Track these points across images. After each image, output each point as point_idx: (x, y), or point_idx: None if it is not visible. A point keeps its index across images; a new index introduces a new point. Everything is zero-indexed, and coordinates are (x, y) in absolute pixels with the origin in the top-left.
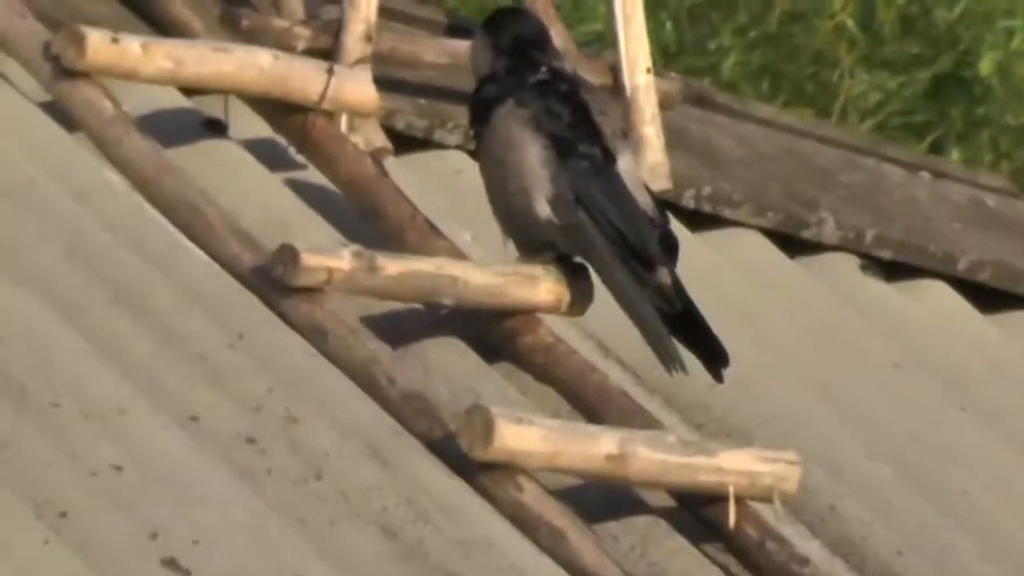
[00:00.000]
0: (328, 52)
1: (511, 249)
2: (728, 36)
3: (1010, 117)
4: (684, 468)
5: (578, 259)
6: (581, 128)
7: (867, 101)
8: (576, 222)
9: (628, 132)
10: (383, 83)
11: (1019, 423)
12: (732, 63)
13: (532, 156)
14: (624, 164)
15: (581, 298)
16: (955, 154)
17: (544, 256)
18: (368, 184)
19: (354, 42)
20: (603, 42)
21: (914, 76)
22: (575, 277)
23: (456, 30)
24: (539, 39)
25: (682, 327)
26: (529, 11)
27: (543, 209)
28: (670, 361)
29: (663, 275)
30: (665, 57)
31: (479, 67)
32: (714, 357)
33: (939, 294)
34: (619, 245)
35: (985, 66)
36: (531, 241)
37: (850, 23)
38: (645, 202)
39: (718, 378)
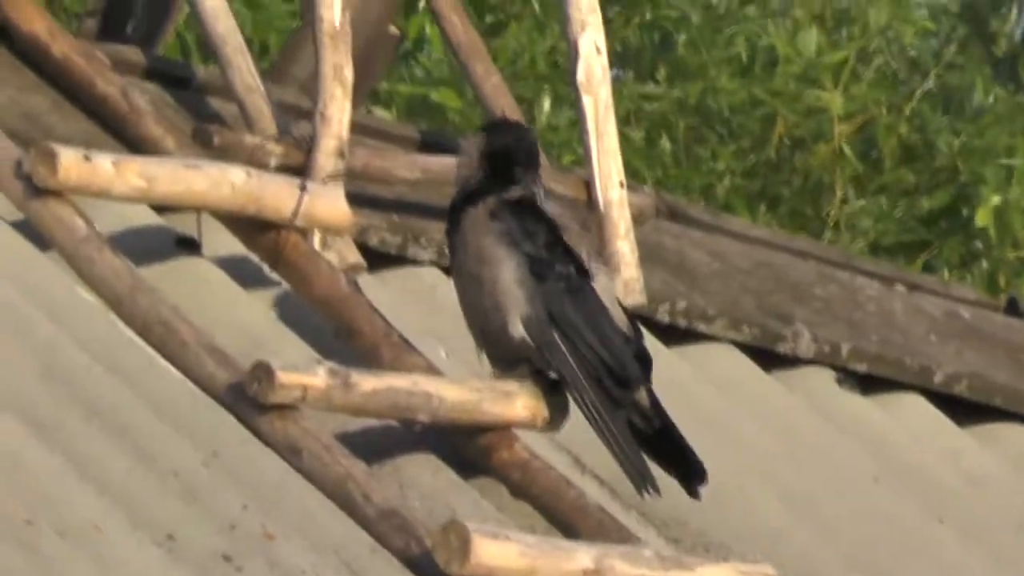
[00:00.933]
0: (300, 168)
1: (485, 363)
2: (725, 159)
3: (1008, 251)
4: None
5: (553, 374)
6: (556, 247)
7: (861, 224)
8: (549, 341)
9: (602, 248)
10: (356, 199)
11: (997, 535)
12: (728, 184)
13: (507, 274)
14: (600, 283)
15: (557, 414)
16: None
17: (519, 370)
18: (342, 301)
19: (326, 158)
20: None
21: (911, 203)
22: (551, 392)
23: (429, 146)
24: (526, 154)
25: (659, 444)
26: (525, 125)
27: (517, 328)
28: (641, 482)
29: (640, 393)
30: (661, 179)
31: (461, 175)
32: (691, 474)
33: (916, 407)
34: (593, 364)
35: (982, 216)
36: (506, 356)
37: (847, 150)
38: (620, 319)
39: (695, 495)
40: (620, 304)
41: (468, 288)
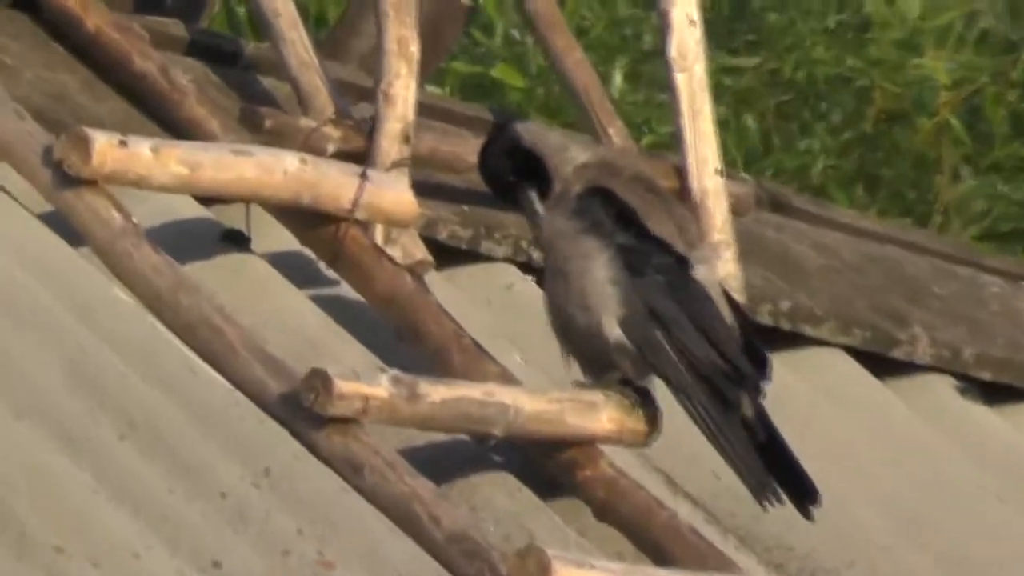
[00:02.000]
0: (361, 154)
1: (575, 370)
2: (819, 137)
3: None
4: None
5: (643, 383)
6: (652, 235)
7: (972, 208)
8: (651, 340)
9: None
10: (423, 188)
11: None
12: (823, 166)
13: (598, 269)
14: (701, 272)
15: (647, 426)
16: None
17: (606, 379)
18: (407, 301)
19: (390, 143)
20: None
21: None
22: (641, 403)
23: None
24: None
25: (766, 460)
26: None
27: (612, 329)
28: (760, 491)
29: (744, 401)
30: (749, 160)
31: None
32: (802, 493)
33: None
34: (703, 363)
35: None
36: (597, 361)
37: (955, 123)
38: (727, 313)
39: (807, 516)
40: (728, 295)
41: (553, 286)
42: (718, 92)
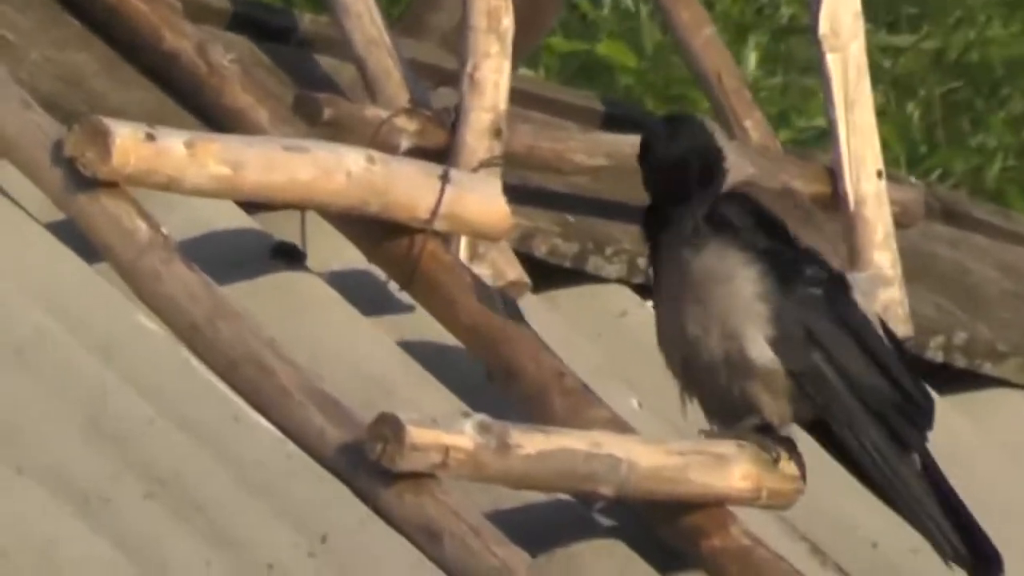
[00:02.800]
0: (442, 152)
1: (694, 416)
2: (996, 131)
3: None
4: None
5: (786, 430)
6: (799, 247)
7: None
8: (811, 366)
9: (852, 257)
10: (518, 193)
11: None
12: (1000, 167)
13: (743, 285)
14: (859, 295)
15: (789, 484)
16: None
17: (744, 425)
18: (497, 331)
19: (477, 138)
20: (823, 140)
21: None
22: (783, 454)
23: (615, 120)
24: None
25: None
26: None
27: (761, 351)
28: (947, 546)
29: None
30: (910, 159)
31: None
32: (982, 560)
33: None
34: (873, 395)
35: None
36: (729, 402)
37: None
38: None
39: None
40: (884, 326)
41: (679, 313)
42: (874, 77)
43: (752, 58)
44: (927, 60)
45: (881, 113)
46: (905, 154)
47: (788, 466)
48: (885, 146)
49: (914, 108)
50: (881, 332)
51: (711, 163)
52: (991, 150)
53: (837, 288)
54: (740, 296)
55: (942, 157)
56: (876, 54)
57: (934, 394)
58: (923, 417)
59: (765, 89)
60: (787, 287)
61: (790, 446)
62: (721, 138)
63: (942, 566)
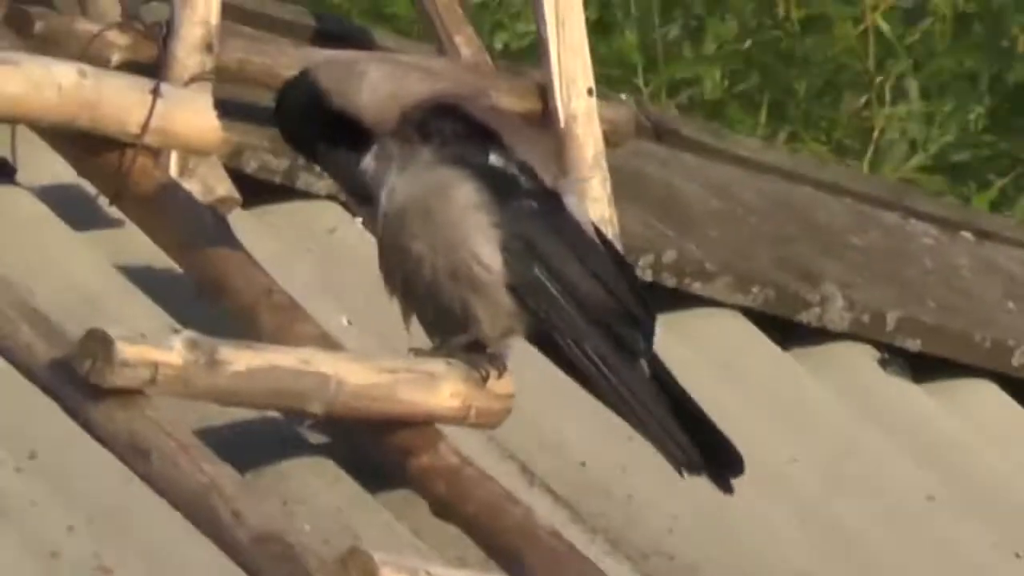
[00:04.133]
0: (153, 66)
1: (417, 335)
2: (713, 41)
3: None
4: None
5: (499, 347)
6: (516, 157)
7: (908, 135)
8: (531, 280)
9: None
10: (228, 108)
11: None
12: (718, 81)
13: (462, 197)
14: (571, 203)
15: (497, 403)
16: None
17: (454, 342)
18: (207, 247)
19: (188, 53)
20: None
21: (973, 98)
22: (493, 372)
23: (328, 36)
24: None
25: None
26: None
27: (493, 261)
28: (681, 456)
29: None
30: (624, 71)
31: None
32: (723, 461)
33: (986, 398)
34: (595, 304)
35: None
36: (449, 318)
37: (884, 26)
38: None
39: (727, 489)
40: (602, 236)
41: (399, 230)
42: None
43: None
44: None
45: (597, 27)
46: (609, 70)
47: (497, 385)
48: (624, 57)
49: (625, 20)
50: (598, 241)
51: (335, 121)
52: (709, 59)
53: (553, 200)
54: (461, 208)
55: (658, 72)
56: None
57: None
58: (645, 325)
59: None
60: (504, 199)
61: (500, 364)
62: (351, 86)
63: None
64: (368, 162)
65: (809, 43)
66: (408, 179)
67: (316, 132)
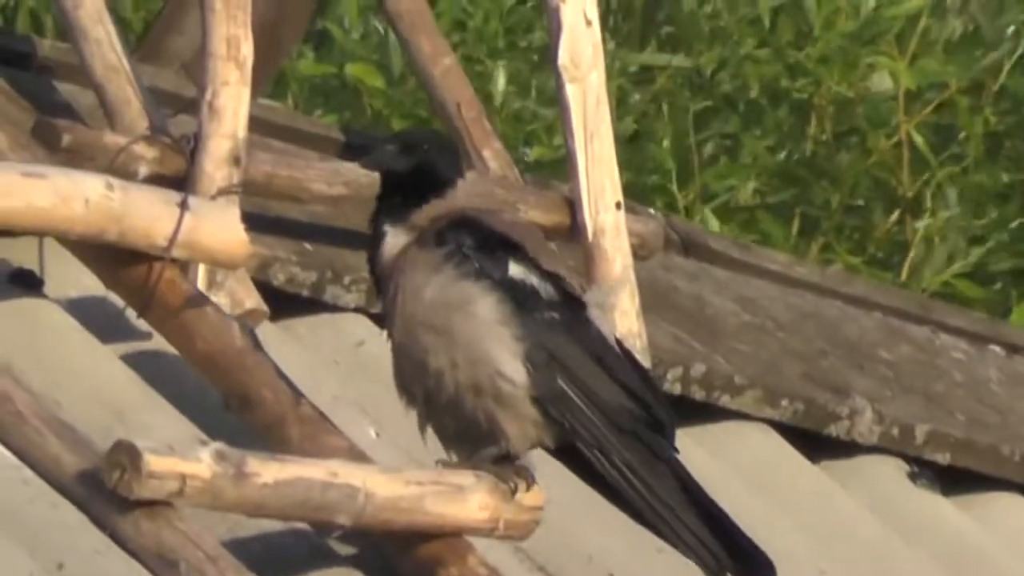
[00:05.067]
0: (181, 179)
1: (434, 447)
2: (752, 152)
3: None
4: None
5: (525, 460)
6: (531, 266)
7: (945, 247)
8: (556, 391)
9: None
10: (256, 222)
11: None
12: (751, 193)
13: (484, 311)
14: (597, 317)
15: (526, 515)
16: None
17: (482, 455)
18: (235, 360)
19: (216, 166)
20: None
21: (1011, 210)
22: (521, 485)
23: (355, 149)
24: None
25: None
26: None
27: (510, 379)
28: (713, 562)
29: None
30: (654, 187)
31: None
32: (753, 567)
33: (1015, 511)
34: (616, 411)
35: None
36: (470, 432)
37: (918, 139)
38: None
39: None
40: (624, 349)
41: (417, 346)
42: (623, 99)
43: (502, 76)
44: (681, 81)
45: (634, 138)
46: (647, 180)
47: (526, 497)
48: (660, 165)
49: (667, 128)
50: (618, 350)
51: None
52: (744, 171)
53: (574, 309)
54: (483, 323)
55: (706, 177)
56: (624, 73)
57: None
58: (668, 429)
59: (518, 115)
60: (526, 311)
61: (528, 476)
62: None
63: None
64: (384, 251)
65: (843, 157)
66: (425, 289)
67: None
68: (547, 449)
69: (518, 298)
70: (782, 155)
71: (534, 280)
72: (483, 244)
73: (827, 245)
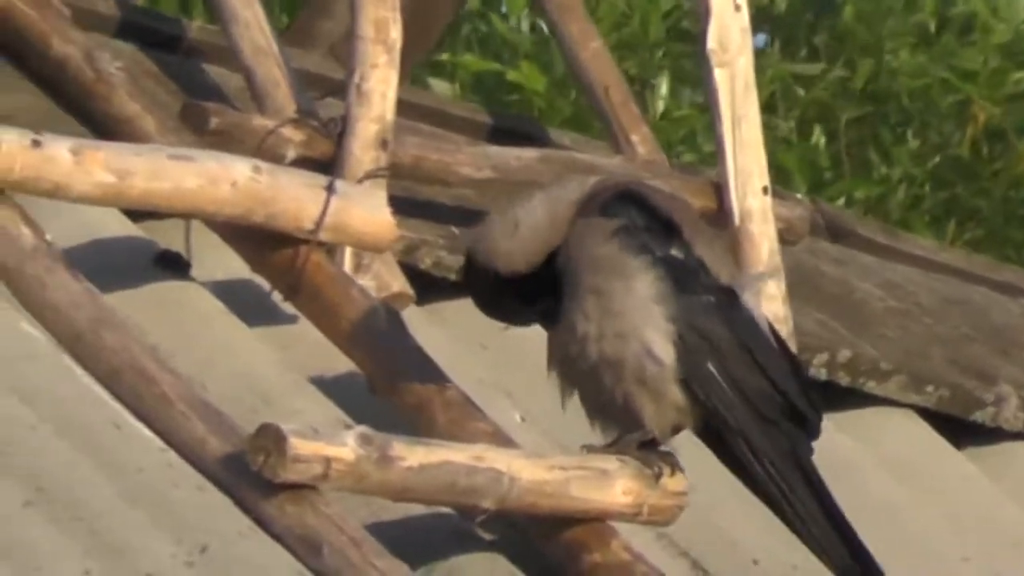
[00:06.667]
0: (328, 162)
1: (581, 432)
2: (903, 162)
3: None
4: None
5: (669, 446)
6: (693, 252)
7: None
8: (704, 374)
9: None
10: (403, 205)
11: None
12: (904, 196)
13: (641, 287)
14: (750, 302)
15: (670, 500)
16: None
17: (627, 440)
18: (381, 344)
19: (364, 149)
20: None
21: None
22: (665, 470)
23: (504, 133)
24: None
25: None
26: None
27: (665, 354)
28: (839, 560)
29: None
30: (814, 186)
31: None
32: (870, 572)
33: None
34: (763, 401)
35: None
36: (612, 410)
37: None
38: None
39: None
40: (775, 334)
41: (570, 312)
42: (787, 102)
43: (664, 81)
44: (838, 87)
45: (787, 142)
46: (808, 182)
47: (670, 482)
48: (787, 173)
49: (819, 136)
50: (772, 340)
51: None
52: (895, 180)
53: (729, 295)
54: (640, 298)
55: (845, 185)
56: (787, 79)
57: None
58: (810, 428)
59: (676, 118)
60: (683, 292)
61: (673, 462)
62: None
63: None
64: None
65: (996, 163)
66: (593, 256)
67: (505, 303)
68: (692, 433)
69: (677, 277)
70: (934, 160)
71: (692, 262)
72: (649, 219)
73: (976, 247)
